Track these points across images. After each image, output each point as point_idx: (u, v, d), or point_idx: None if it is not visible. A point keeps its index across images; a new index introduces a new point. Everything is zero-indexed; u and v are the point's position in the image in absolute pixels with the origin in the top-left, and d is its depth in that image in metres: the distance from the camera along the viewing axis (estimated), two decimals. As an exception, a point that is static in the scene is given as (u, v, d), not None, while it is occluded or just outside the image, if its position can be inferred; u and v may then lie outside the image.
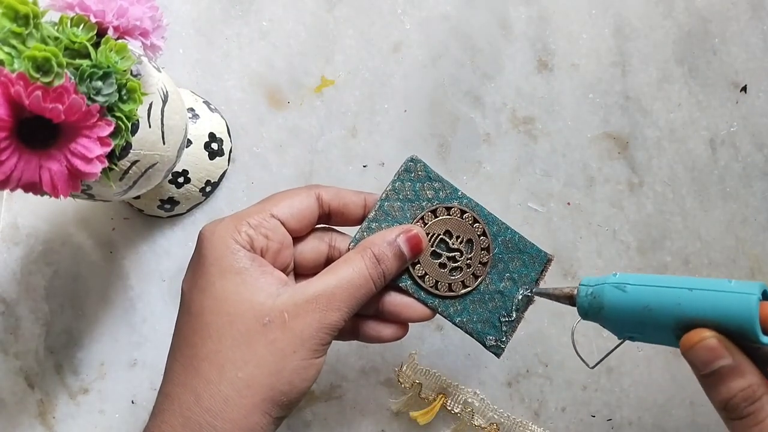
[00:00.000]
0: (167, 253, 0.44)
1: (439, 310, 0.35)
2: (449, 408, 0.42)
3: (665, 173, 0.44)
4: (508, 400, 0.43)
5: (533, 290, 0.36)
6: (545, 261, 0.36)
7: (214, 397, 0.28)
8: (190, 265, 0.32)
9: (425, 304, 0.35)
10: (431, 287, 0.34)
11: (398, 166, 0.35)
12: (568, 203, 0.44)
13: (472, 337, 0.35)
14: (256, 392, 0.28)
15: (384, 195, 0.35)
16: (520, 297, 0.36)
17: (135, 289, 0.44)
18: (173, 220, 0.44)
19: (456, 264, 0.35)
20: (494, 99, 0.44)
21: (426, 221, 0.35)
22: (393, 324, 0.35)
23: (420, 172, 0.35)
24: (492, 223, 0.36)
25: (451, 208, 0.35)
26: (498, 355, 0.35)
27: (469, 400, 0.42)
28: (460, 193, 0.36)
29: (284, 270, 0.33)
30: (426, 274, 0.34)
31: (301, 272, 0.35)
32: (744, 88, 0.44)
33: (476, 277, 0.35)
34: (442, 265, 0.35)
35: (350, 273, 0.31)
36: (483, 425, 0.41)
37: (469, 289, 0.35)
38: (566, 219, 0.43)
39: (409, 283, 0.34)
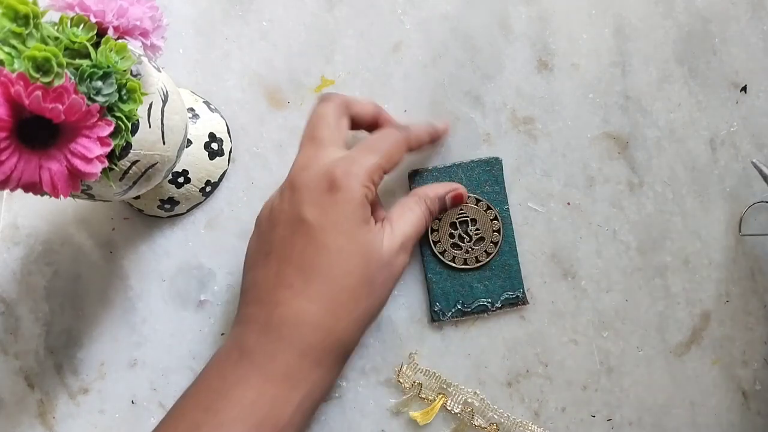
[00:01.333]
0: (167, 253, 0.44)
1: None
2: (449, 408, 0.42)
3: (665, 173, 0.44)
4: (508, 400, 0.43)
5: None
6: (518, 299, 0.42)
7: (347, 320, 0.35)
8: (317, 202, 0.35)
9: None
10: (435, 242, 0.42)
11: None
12: (568, 203, 0.44)
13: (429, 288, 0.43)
14: (369, 320, 0.36)
15: (459, 162, 0.43)
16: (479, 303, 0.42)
17: (135, 289, 0.44)
18: (173, 220, 0.44)
19: (461, 245, 0.42)
20: (494, 99, 0.44)
21: (467, 201, 0.42)
22: None
23: (494, 172, 0.43)
24: (506, 242, 0.43)
25: (480, 201, 0.42)
26: (434, 320, 0.43)
27: (469, 400, 0.42)
28: (506, 207, 0.43)
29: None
30: (439, 238, 0.42)
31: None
32: (744, 88, 0.44)
33: (466, 262, 0.42)
34: (452, 236, 0.42)
35: (415, 220, 0.38)
36: (483, 425, 0.41)
37: (453, 265, 0.42)
38: (566, 219, 0.43)
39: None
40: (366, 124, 0.41)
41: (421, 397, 0.42)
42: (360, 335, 0.36)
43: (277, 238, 0.35)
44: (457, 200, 0.41)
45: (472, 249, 0.42)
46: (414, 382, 0.42)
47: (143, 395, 0.43)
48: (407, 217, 0.38)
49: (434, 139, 0.42)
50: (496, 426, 0.41)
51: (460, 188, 0.42)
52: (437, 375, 0.42)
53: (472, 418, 0.41)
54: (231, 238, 0.44)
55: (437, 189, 0.41)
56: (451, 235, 0.42)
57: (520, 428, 0.42)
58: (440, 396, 0.42)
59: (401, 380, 0.42)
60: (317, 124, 0.38)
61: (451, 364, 0.43)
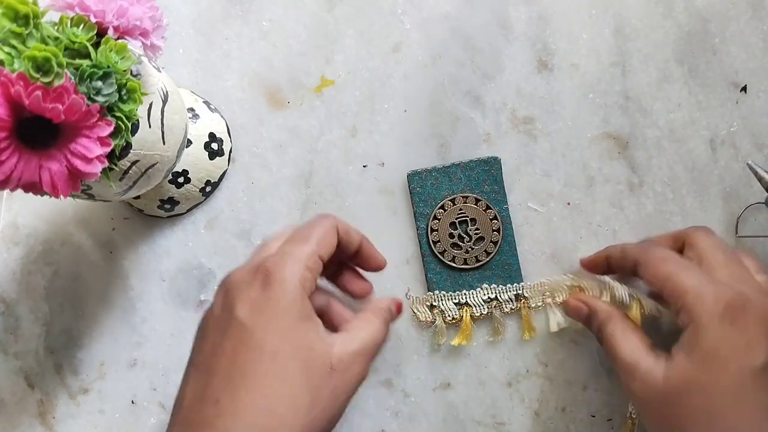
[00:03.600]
0: (167, 253, 0.44)
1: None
2: (476, 315, 0.42)
3: (665, 173, 0.44)
4: (508, 400, 0.43)
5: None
6: (516, 296, 0.42)
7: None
8: (249, 299, 0.31)
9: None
10: (435, 240, 0.43)
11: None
12: (568, 203, 0.44)
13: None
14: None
15: (458, 162, 0.43)
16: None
17: (135, 289, 0.44)
18: (173, 220, 0.44)
19: (461, 244, 0.42)
20: (494, 99, 0.44)
21: (465, 201, 0.43)
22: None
23: (493, 171, 0.43)
24: (506, 241, 0.43)
25: (480, 201, 0.42)
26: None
27: (487, 296, 0.42)
28: (505, 207, 0.43)
29: None
30: (438, 238, 0.43)
31: None
32: (744, 88, 0.44)
33: (466, 262, 0.43)
34: (451, 236, 0.43)
35: (374, 331, 0.34)
36: (512, 307, 0.42)
37: (453, 264, 0.43)
38: (566, 219, 0.43)
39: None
40: (351, 250, 0.37)
41: (447, 322, 0.42)
42: None
43: (208, 346, 0.31)
44: (400, 309, 0.38)
45: (472, 249, 0.43)
46: (433, 311, 0.42)
47: (143, 395, 0.43)
48: (365, 326, 0.34)
49: (365, 247, 0.38)
50: (525, 299, 0.42)
51: (398, 299, 0.38)
52: (445, 294, 0.42)
53: (501, 307, 0.42)
54: (231, 238, 0.44)
55: (384, 301, 0.37)
56: (451, 235, 0.43)
57: (538, 290, 0.42)
58: (463, 309, 0.42)
59: (421, 318, 0.42)
60: (275, 234, 0.35)
61: (451, 364, 0.43)
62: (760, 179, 0.40)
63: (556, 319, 0.42)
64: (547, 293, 0.42)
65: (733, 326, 0.30)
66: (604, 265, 0.39)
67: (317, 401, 0.30)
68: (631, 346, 0.34)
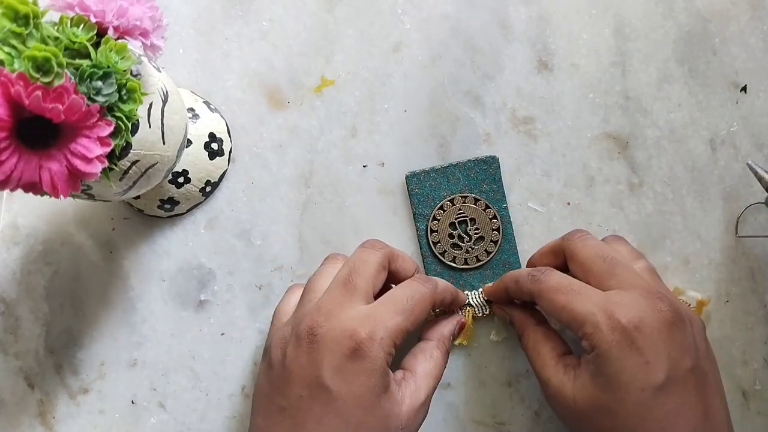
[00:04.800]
0: (167, 253, 0.44)
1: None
2: (479, 315, 0.42)
3: (665, 173, 0.44)
4: (508, 400, 0.43)
5: None
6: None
7: None
8: (338, 367, 0.33)
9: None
10: (435, 242, 0.43)
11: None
12: (568, 203, 0.44)
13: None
14: None
15: (456, 162, 0.43)
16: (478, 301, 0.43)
17: (135, 289, 0.44)
18: (173, 220, 0.44)
19: (461, 244, 0.43)
20: (494, 99, 0.44)
21: (464, 201, 0.43)
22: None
23: (491, 170, 0.43)
24: (506, 240, 0.43)
25: (479, 200, 0.43)
26: None
27: (488, 297, 0.42)
28: (505, 206, 0.43)
29: None
30: (438, 239, 0.43)
31: None
32: (744, 88, 0.44)
33: (466, 262, 0.43)
34: (451, 236, 0.43)
35: (437, 371, 0.37)
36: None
37: (454, 265, 0.43)
38: (566, 219, 0.43)
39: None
40: (401, 280, 0.39)
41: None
42: None
43: (293, 395, 0.33)
44: (462, 328, 0.41)
45: (472, 248, 0.43)
46: (435, 312, 0.42)
47: (143, 395, 0.43)
48: (430, 368, 0.37)
49: (455, 304, 0.41)
50: None
51: (463, 318, 0.41)
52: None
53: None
54: (231, 238, 0.44)
55: (448, 326, 0.40)
56: (451, 236, 0.43)
57: None
58: (465, 309, 0.42)
59: (426, 318, 0.42)
60: (358, 270, 0.36)
61: (451, 364, 0.43)
62: (760, 179, 0.40)
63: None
64: None
65: (631, 349, 0.31)
66: (505, 295, 0.40)
67: None
68: (542, 359, 0.36)
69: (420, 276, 0.39)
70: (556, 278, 0.35)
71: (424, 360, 0.37)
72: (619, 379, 0.31)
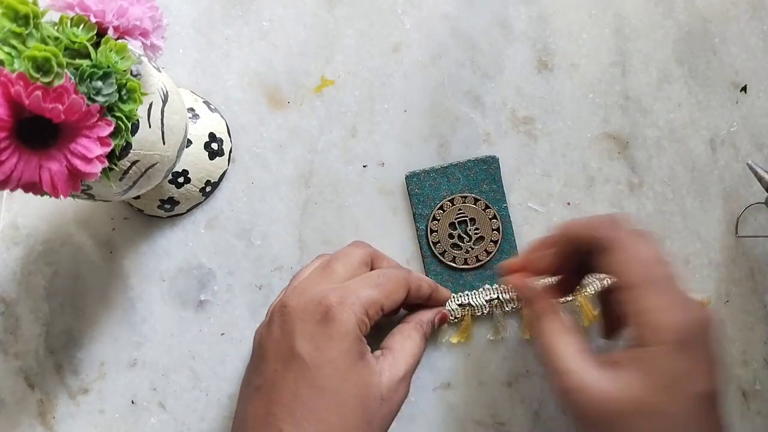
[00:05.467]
0: (167, 253, 0.44)
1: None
2: (477, 314, 0.42)
3: (665, 173, 0.44)
4: (508, 400, 0.43)
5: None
6: (518, 296, 0.42)
7: None
8: (309, 334, 0.32)
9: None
10: (435, 243, 0.43)
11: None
12: (568, 203, 0.44)
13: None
14: None
15: (456, 162, 0.43)
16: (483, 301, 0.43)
17: (135, 289, 0.44)
18: (173, 220, 0.44)
19: (461, 244, 0.43)
20: (494, 99, 0.44)
21: (464, 201, 0.43)
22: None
23: (491, 170, 0.43)
24: (506, 240, 0.43)
25: (479, 200, 0.43)
26: None
27: (489, 297, 0.42)
28: (504, 206, 0.43)
29: None
30: (438, 239, 0.43)
31: None
32: (744, 88, 0.44)
33: (466, 262, 0.43)
34: (451, 236, 0.43)
35: (416, 349, 0.37)
36: (514, 306, 0.42)
37: (453, 265, 0.43)
38: (566, 219, 0.43)
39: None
40: (419, 301, 0.40)
41: (451, 322, 0.42)
42: None
43: (269, 370, 0.33)
44: (443, 320, 0.41)
45: (472, 248, 0.43)
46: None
47: (143, 395, 0.43)
48: (408, 346, 0.36)
49: (435, 299, 0.40)
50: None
51: (444, 309, 0.41)
52: (451, 295, 0.43)
53: (503, 306, 0.42)
54: (231, 238, 0.44)
55: (428, 313, 0.40)
56: (451, 236, 0.43)
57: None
58: (465, 309, 0.42)
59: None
60: (339, 258, 0.36)
61: (451, 364, 0.43)
62: (760, 179, 0.40)
63: None
64: None
65: (688, 353, 0.29)
66: (552, 252, 0.35)
67: (370, 430, 0.32)
68: (563, 350, 0.32)
69: (397, 265, 0.39)
70: (644, 244, 0.31)
71: (402, 339, 0.37)
72: (673, 382, 0.29)
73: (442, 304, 0.41)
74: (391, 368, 0.34)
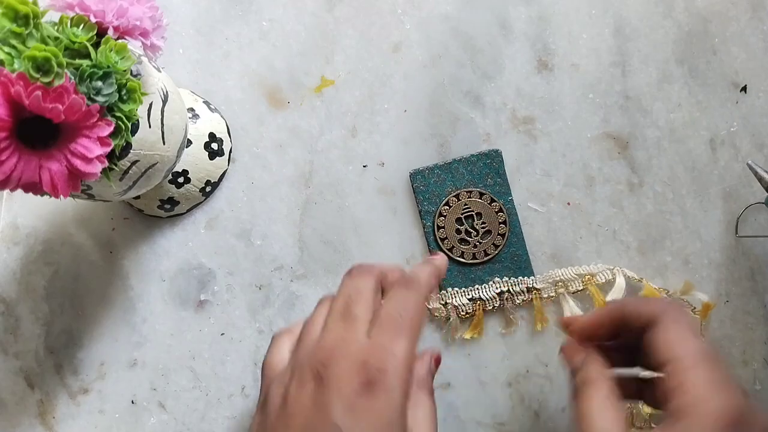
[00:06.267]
0: (167, 253, 0.44)
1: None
2: (489, 309, 0.42)
3: (665, 173, 0.44)
4: (508, 400, 0.43)
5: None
6: (528, 288, 0.42)
7: None
8: (349, 401, 0.29)
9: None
10: (442, 239, 0.43)
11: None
12: (568, 203, 0.44)
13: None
14: None
15: (459, 158, 0.43)
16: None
17: (135, 289, 0.44)
18: (173, 220, 0.44)
19: (468, 239, 0.43)
20: (494, 99, 0.44)
21: (470, 195, 0.43)
22: None
23: (494, 164, 0.43)
24: (513, 233, 0.43)
25: (484, 194, 0.43)
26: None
27: (499, 289, 0.42)
28: (510, 198, 0.43)
29: None
30: (446, 235, 0.43)
31: None
32: (744, 88, 0.44)
33: (475, 257, 0.43)
34: (458, 231, 0.43)
35: (430, 414, 0.33)
36: (525, 298, 0.42)
37: (462, 260, 0.43)
38: (566, 219, 0.43)
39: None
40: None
41: (462, 317, 0.42)
42: None
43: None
44: (438, 362, 0.37)
45: (480, 243, 0.43)
46: (449, 308, 0.42)
47: (143, 395, 0.43)
48: (420, 415, 0.32)
49: (440, 277, 0.37)
50: (537, 291, 0.42)
51: (436, 349, 0.38)
52: (459, 291, 0.42)
53: (513, 299, 0.42)
54: (231, 238, 0.44)
55: (423, 367, 0.35)
56: (458, 231, 0.43)
57: (550, 281, 0.42)
58: (476, 303, 0.42)
59: (437, 315, 0.42)
60: (353, 299, 0.32)
61: (452, 364, 0.43)
62: (760, 179, 0.40)
63: (570, 308, 0.42)
64: (560, 283, 0.42)
65: None
66: (600, 328, 0.35)
67: None
68: (607, 422, 0.31)
69: (400, 280, 0.35)
70: (689, 328, 0.31)
71: (414, 413, 0.33)
72: None
73: (444, 273, 0.37)
74: None
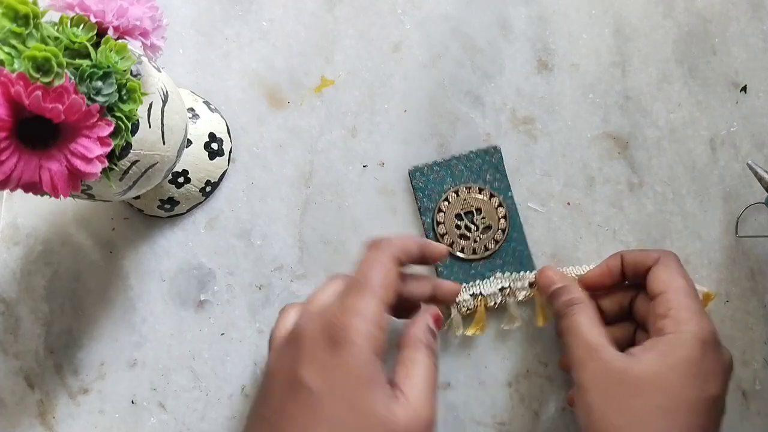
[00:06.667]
0: (167, 253, 0.44)
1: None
2: (491, 305, 0.42)
3: (665, 173, 0.44)
4: (508, 400, 0.43)
5: None
6: (530, 283, 0.42)
7: None
8: (316, 361, 0.30)
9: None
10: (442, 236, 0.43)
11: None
12: (568, 203, 0.44)
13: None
14: None
15: (458, 155, 0.43)
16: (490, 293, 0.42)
17: (135, 289, 0.44)
18: (173, 220, 0.44)
19: (468, 235, 0.43)
20: (494, 99, 0.44)
21: (469, 191, 0.43)
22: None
23: (493, 160, 0.43)
24: (513, 228, 0.43)
25: (483, 190, 0.43)
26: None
27: (499, 285, 0.42)
28: (510, 194, 0.43)
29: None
30: (445, 231, 0.43)
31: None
32: (744, 88, 0.44)
33: (475, 252, 0.43)
34: (458, 227, 0.43)
35: (424, 371, 0.32)
36: (527, 293, 0.42)
37: (462, 255, 0.43)
38: (566, 219, 0.43)
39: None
40: (414, 261, 0.36)
41: (463, 314, 0.42)
42: None
43: (275, 401, 0.31)
44: (438, 319, 0.36)
45: (480, 238, 0.43)
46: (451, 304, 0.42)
47: (143, 395, 0.43)
48: (414, 373, 0.32)
49: (428, 256, 0.37)
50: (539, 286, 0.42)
51: (433, 307, 0.37)
52: (461, 286, 0.42)
53: (515, 295, 0.42)
54: (231, 238, 0.44)
55: (419, 324, 0.35)
56: (458, 226, 0.43)
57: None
58: (478, 299, 0.42)
59: (462, 307, 0.42)
60: (359, 271, 0.33)
61: (451, 364, 0.43)
62: (760, 179, 0.40)
63: None
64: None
65: (705, 356, 0.33)
66: (610, 276, 0.39)
67: None
68: (597, 331, 0.35)
69: (372, 243, 0.35)
70: (680, 269, 0.37)
71: (404, 368, 0.33)
72: (688, 371, 0.33)
73: (437, 256, 0.38)
74: (409, 406, 0.30)
